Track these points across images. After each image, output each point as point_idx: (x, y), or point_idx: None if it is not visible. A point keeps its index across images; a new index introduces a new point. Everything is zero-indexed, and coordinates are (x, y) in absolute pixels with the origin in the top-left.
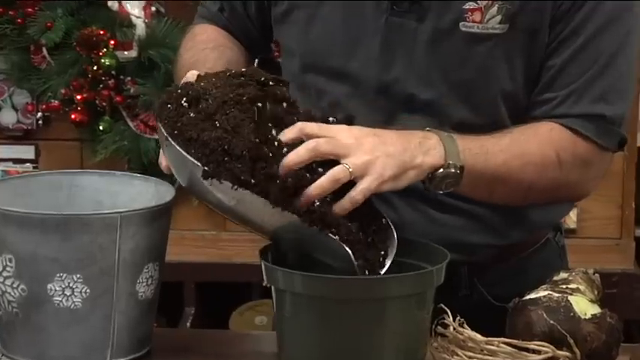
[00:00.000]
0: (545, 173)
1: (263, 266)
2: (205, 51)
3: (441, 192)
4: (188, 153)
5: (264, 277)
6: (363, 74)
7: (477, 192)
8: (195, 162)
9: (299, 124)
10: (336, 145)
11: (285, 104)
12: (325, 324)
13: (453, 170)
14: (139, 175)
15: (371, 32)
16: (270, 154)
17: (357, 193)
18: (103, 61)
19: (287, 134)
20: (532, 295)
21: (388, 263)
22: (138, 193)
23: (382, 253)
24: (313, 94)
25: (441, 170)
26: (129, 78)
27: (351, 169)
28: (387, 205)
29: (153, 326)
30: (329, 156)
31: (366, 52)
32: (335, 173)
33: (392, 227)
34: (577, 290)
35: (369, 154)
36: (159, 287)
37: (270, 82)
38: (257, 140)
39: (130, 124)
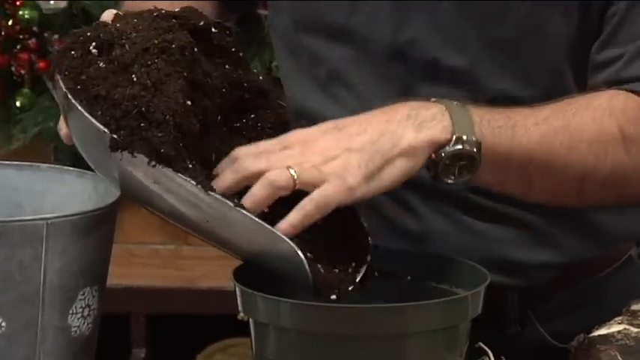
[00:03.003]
0: (605, 155)
1: (238, 292)
2: None
3: (452, 181)
4: (93, 115)
5: (240, 306)
6: (371, 33)
7: (508, 183)
8: (101, 127)
9: (232, 154)
10: (272, 157)
11: (228, 60)
12: None
13: (465, 147)
14: (70, 168)
15: None
16: (202, 125)
17: (303, 208)
18: (20, 13)
19: (221, 181)
20: (602, 331)
21: (359, 276)
22: (70, 192)
23: (352, 264)
24: (307, 60)
25: (448, 148)
26: (56, 36)
27: (296, 175)
28: (407, 211)
29: None
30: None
31: (374, 5)
32: (271, 176)
33: (365, 227)
34: None
35: (322, 157)
36: (98, 320)
37: (213, 29)
38: (187, 102)
39: None
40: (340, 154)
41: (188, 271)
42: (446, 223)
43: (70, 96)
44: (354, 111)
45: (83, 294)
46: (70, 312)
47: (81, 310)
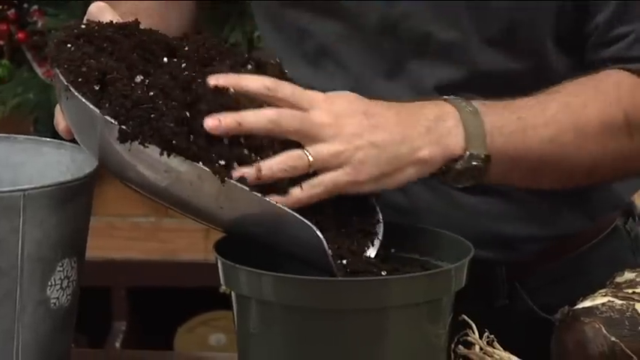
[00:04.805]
0: (611, 145)
1: (220, 265)
2: None
3: (460, 186)
4: (99, 107)
5: (222, 279)
6: (362, 8)
7: (516, 180)
8: (109, 119)
9: (265, 78)
10: (305, 123)
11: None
12: (304, 343)
13: (474, 163)
14: (48, 139)
15: None
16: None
17: (312, 187)
18: None
19: (246, 82)
20: (587, 303)
21: (373, 253)
22: (48, 163)
23: (366, 240)
24: (294, 36)
25: (459, 163)
26: (35, 7)
27: (311, 158)
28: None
29: (70, 345)
30: (291, 136)
31: None
32: (289, 158)
33: (376, 206)
34: None
35: (345, 143)
36: (78, 293)
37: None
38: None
39: (38, 70)
40: (363, 146)
41: (169, 243)
42: (434, 198)
43: (72, 89)
44: (344, 87)
45: (62, 265)
46: (49, 284)
47: (60, 281)
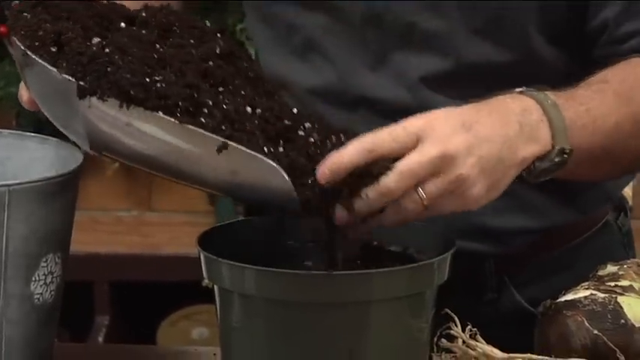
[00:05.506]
0: None
1: (202, 258)
2: None
3: (534, 182)
4: (57, 67)
5: (205, 273)
6: (346, 0)
7: (578, 174)
8: (67, 77)
9: (362, 141)
10: (417, 170)
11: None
12: (287, 337)
13: (557, 159)
14: (32, 134)
15: None
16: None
17: (422, 212)
18: None
19: (349, 157)
20: (569, 296)
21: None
22: (32, 159)
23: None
24: (282, 30)
25: (546, 159)
26: (16, 1)
27: (424, 196)
28: None
29: (54, 340)
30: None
31: None
32: (401, 207)
33: None
34: (630, 289)
35: (460, 167)
36: (61, 288)
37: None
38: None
39: None
40: (473, 164)
41: (152, 237)
42: None
43: (29, 52)
44: (330, 80)
45: (46, 261)
46: (33, 279)
47: (44, 277)
